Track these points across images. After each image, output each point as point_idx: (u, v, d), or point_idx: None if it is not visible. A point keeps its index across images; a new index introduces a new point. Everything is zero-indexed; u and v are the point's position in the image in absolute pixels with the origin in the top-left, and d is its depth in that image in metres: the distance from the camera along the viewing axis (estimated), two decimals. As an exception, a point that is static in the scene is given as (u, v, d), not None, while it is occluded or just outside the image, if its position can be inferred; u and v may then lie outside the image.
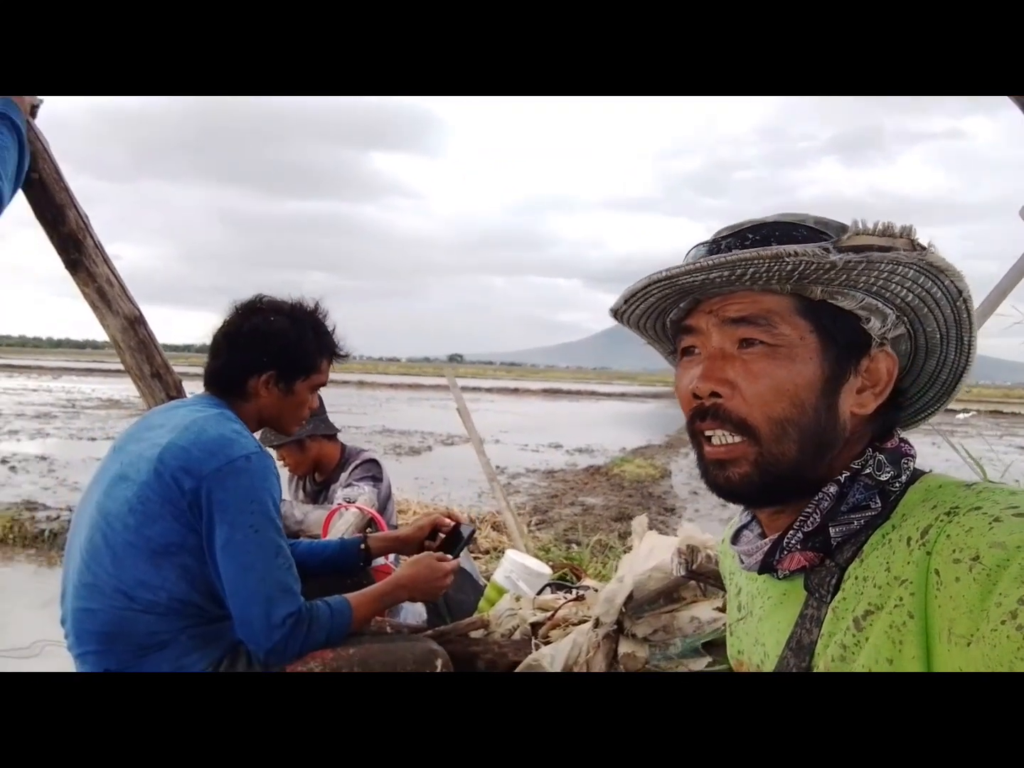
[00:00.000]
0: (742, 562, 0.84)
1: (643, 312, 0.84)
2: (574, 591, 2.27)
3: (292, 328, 1.80)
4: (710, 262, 0.72)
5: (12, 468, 8.84)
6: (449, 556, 1.97)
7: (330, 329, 1.90)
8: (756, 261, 0.71)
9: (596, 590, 2.21)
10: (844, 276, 0.72)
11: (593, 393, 48.85)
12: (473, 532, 2.21)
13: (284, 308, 1.84)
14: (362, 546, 2.12)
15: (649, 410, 34.61)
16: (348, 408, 21.67)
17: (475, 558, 4.29)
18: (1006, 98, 1.45)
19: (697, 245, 0.80)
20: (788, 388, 0.74)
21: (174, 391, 2.12)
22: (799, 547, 0.76)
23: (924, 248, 0.71)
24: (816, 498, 0.76)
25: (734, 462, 0.76)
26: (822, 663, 0.73)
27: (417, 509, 5.30)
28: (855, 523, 0.74)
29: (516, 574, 2.51)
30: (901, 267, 0.71)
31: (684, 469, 12.16)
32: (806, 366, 0.74)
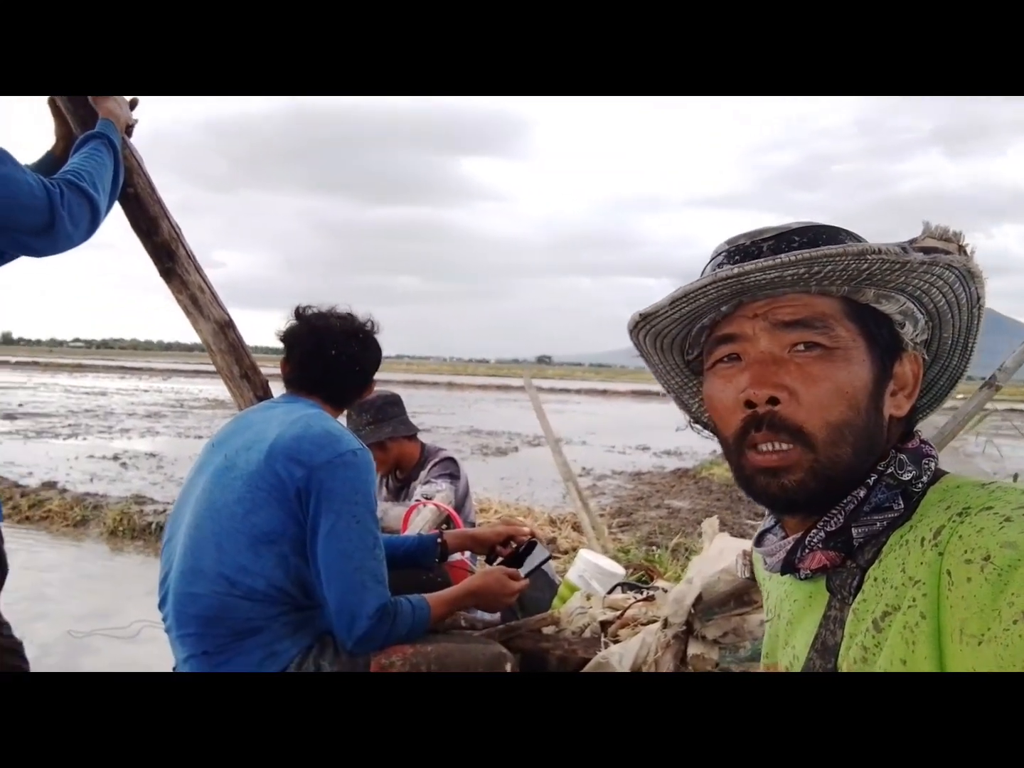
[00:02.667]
0: (765, 563, 0.84)
1: (676, 319, 0.81)
2: (644, 591, 2.27)
3: (374, 343, 1.99)
4: (791, 257, 0.70)
5: (123, 464, 9.43)
6: (519, 572, 2.03)
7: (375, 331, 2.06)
8: (839, 258, 0.70)
9: (665, 591, 2.20)
10: (903, 278, 0.73)
11: (684, 395, 47.77)
12: (548, 558, 2.24)
13: (365, 328, 1.98)
14: (439, 541, 2.20)
15: (742, 412, 33.66)
16: (437, 409, 22.07)
17: (554, 557, 4.31)
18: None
19: (723, 252, 0.79)
20: (848, 390, 0.73)
21: (261, 391, 2.24)
22: (820, 546, 0.76)
23: (967, 254, 0.73)
24: (844, 502, 0.75)
25: (787, 469, 0.74)
26: (845, 665, 0.73)
27: (498, 508, 5.37)
28: (877, 524, 0.74)
29: (589, 573, 2.53)
30: (948, 271, 0.72)
31: (776, 473, 11.80)
32: (862, 367, 0.74)
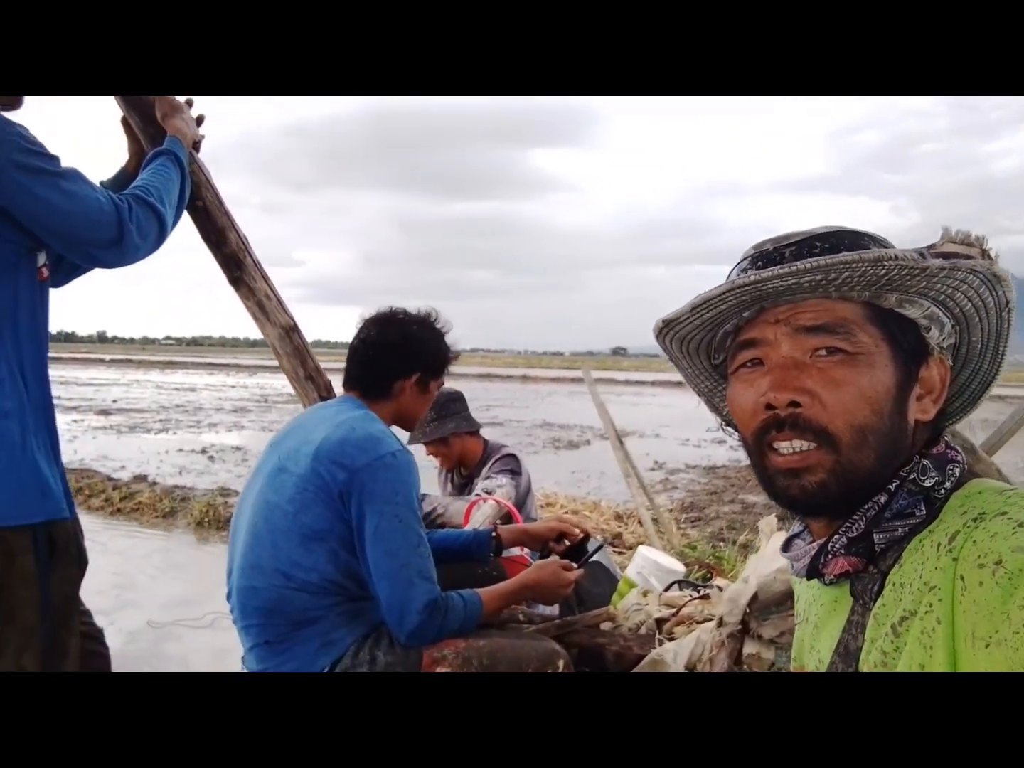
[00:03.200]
0: (792, 568, 0.85)
1: (699, 325, 0.82)
2: (701, 589, 2.26)
3: (432, 336, 2.02)
4: (807, 265, 0.71)
5: (211, 458, 9.85)
6: (574, 565, 2.06)
7: (447, 334, 2.09)
8: (854, 264, 0.71)
9: (721, 589, 2.18)
10: (924, 283, 0.73)
11: (763, 385, 46.72)
12: (601, 547, 2.28)
13: (425, 320, 2.04)
14: (493, 535, 2.25)
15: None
16: (511, 402, 22.20)
17: (619, 552, 4.30)
18: None
19: (748, 257, 0.80)
20: (870, 395, 0.73)
21: (324, 392, 2.32)
22: (843, 552, 0.77)
23: (991, 258, 0.73)
24: (865, 507, 0.75)
25: (809, 470, 0.74)
26: (865, 668, 0.73)
27: (564, 503, 5.39)
28: (899, 530, 0.74)
29: (647, 570, 2.53)
30: (971, 275, 0.72)
31: (858, 466, 11.44)
32: (884, 372, 0.74)
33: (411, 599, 1.71)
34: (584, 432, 14.59)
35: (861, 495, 0.75)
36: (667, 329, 0.83)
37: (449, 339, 2.08)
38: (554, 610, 2.56)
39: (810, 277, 0.72)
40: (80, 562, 1.68)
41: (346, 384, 2.01)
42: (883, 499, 0.75)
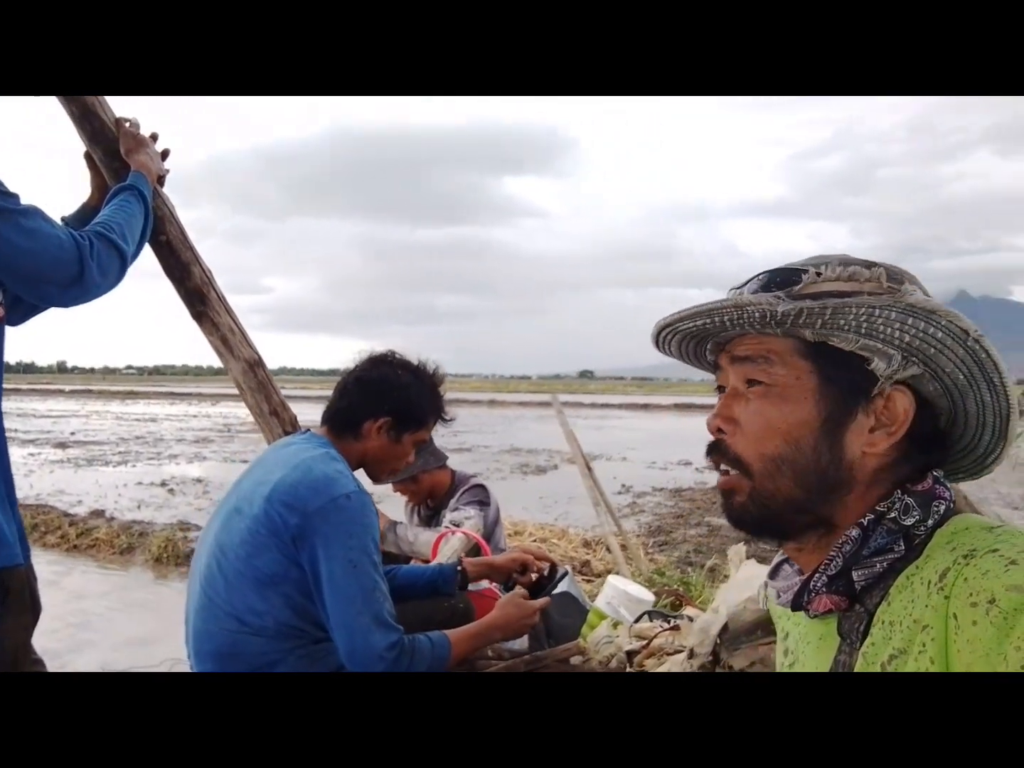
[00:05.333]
0: (779, 597, 0.84)
1: (678, 346, 0.88)
2: (671, 620, 2.25)
3: (414, 384, 1.97)
4: (691, 311, 0.79)
5: (171, 491, 9.64)
6: (533, 597, 2.05)
7: (443, 393, 2.05)
8: (722, 311, 0.76)
9: (692, 619, 2.18)
10: (819, 321, 0.73)
11: (727, 407, 47.25)
12: (565, 574, 2.27)
13: (410, 366, 2.00)
14: (459, 569, 2.22)
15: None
16: (478, 428, 22.14)
17: (588, 580, 4.29)
18: None
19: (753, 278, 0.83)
20: (781, 427, 0.76)
21: (290, 427, 2.29)
22: (824, 590, 0.77)
23: (897, 290, 0.73)
24: (839, 542, 0.76)
25: (733, 491, 0.80)
26: None
27: (533, 531, 5.36)
28: (878, 566, 0.74)
29: (617, 600, 2.51)
30: (877, 310, 0.72)
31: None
32: (799, 406, 0.76)
33: (371, 646, 1.66)
34: (552, 457, 14.59)
35: (783, 520, 0.78)
36: (660, 341, 0.88)
37: (437, 394, 2.02)
38: (523, 643, 2.53)
39: (702, 320, 0.79)
40: (34, 609, 1.63)
41: (323, 416, 1.97)
42: (855, 533, 0.75)
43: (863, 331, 0.74)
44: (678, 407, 44.96)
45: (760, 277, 0.79)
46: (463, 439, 17.48)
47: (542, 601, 2.02)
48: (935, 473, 0.77)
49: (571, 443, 3.66)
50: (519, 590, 2.09)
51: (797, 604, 0.80)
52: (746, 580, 2.02)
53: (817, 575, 0.77)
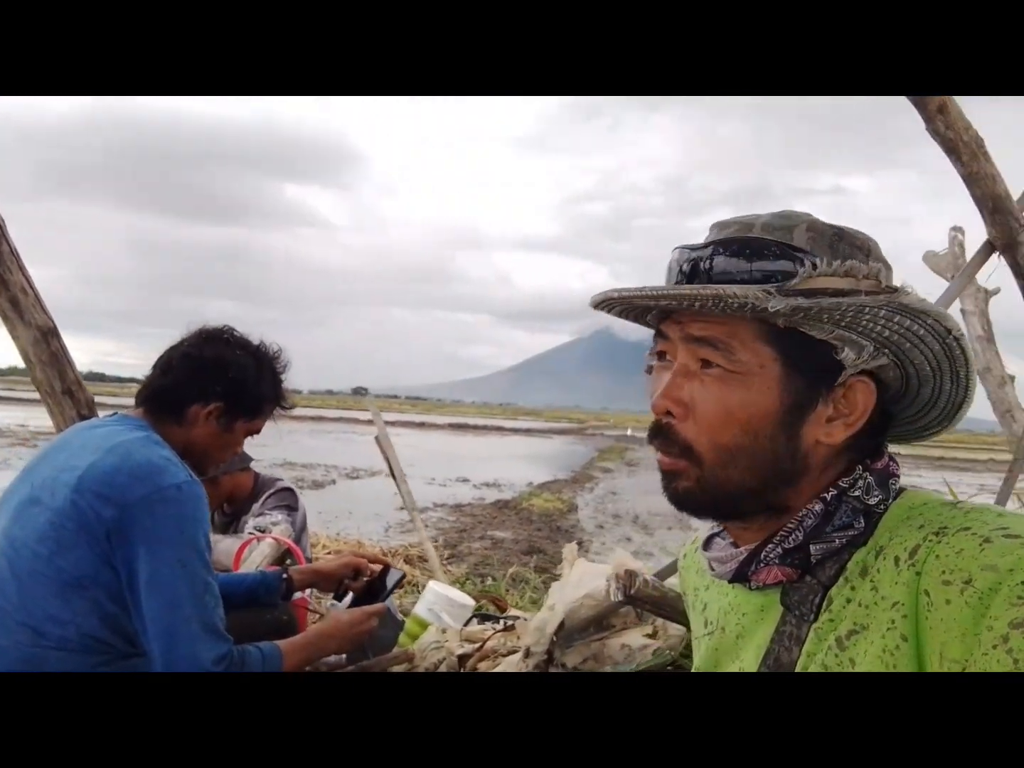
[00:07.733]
0: (712, 569, 0.81)
1: (620, 310, 0.81)
2: (502, 621, 2.23)
3: (254, 367, 1.74)
4: (659, 292, 0.72)
5: None
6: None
7: (284, 380, 1.84)
8: (699, 298, 0.69)
9: (525, 619, 2.18)
10: (801, 315, 0.69)
11: (499, 428, 48.92)
12: (403, 577, 2.18)
13: (250, 346, 1.78)
14: (284, 577, 2.04)
15: (555, 445, 34.99)
16: (249, 440, 20.91)
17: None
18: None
19: (681, 247, 0.77)
20: (740, 416, 0.72)
21: (86, 409, 1.98)
22: (776, 561, 0.75)
23: (895, 291, 0.70)
24: (800, 514, 0.74)
25: (679, 475, 0.76)
26: None
27: (326, 543, 5.14)
28: (836, 542, 0.73)
29: (439, 606, 2.44)
30: (868, 308, 0.69)
31: (590, 503, 12.32)
32: (762, 396, 0.72)
33: (196, 657, 1.46)
34: (329, 471, 14.16)
35: (740, 506, 0.76)
36: (605, 307, 0.81)
37: (278, 381, 1.81)
38: (341, 658, 2.39)
39: (666, 302, 0.73)
40: None
41: (137, 398, 1.70)
42: (818, 508, 0.73)
43: (843, 324, 0.70)
44: (452, 427, 45.73)
45: (725, 243, 0.73)
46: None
47: (377, 606, 1.92)
48: (886, 448, 0.78)
49: (387, 449, 3.56)
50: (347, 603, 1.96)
51: (740, 575, 0.78)
52: (580, 578, 2.05)
53: (771, 546, 0.75)
